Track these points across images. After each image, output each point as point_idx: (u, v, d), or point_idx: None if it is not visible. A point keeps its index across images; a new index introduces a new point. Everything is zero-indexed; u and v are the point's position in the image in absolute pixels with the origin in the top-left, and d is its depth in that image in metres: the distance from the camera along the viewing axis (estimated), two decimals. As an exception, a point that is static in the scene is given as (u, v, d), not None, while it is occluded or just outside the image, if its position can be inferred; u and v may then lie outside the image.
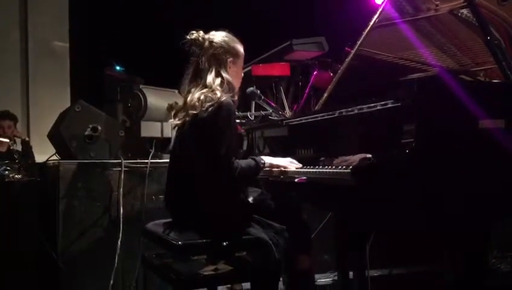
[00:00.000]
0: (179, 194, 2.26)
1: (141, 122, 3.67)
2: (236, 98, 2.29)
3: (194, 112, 2.18)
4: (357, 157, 1.94)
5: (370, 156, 1.85)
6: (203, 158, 2.17)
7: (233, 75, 2.31)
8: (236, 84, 2.33)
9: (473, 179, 1.80)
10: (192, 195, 2.21)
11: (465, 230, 1.81)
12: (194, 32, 2.29)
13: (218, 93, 2.18)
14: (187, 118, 2.22)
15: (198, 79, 2.27)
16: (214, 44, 2.29)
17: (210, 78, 2.23)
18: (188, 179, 2.23)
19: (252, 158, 2.32)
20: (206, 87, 2.22)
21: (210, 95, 2.18)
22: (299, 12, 5.74)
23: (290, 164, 2.35)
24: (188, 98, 2.23)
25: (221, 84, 2.23)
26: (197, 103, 2.18)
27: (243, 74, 2.44)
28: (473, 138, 1.82)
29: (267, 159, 2.34)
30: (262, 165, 2.29)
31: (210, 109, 2.15)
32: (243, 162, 2.23)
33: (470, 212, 1.80)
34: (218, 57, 2.27)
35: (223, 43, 2.29)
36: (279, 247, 2.14)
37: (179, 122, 2.27)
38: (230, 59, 2.29)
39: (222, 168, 2.13)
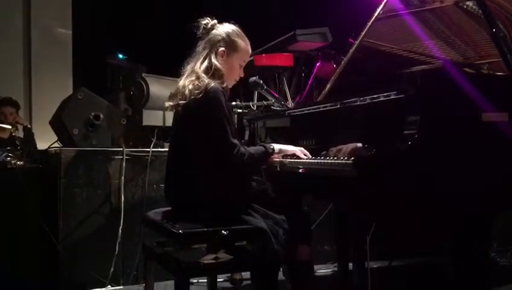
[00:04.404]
0: (179, 182, 2.26)
1: (143, 110, 3.67)
2: (225, 85, 2.27)
3: (184, 101, 2.20)
4: (350, 146, 1.93)
5: (360, 145, 1.85)
6: (204, 146, 2.17)
7: (225, 66, 2.27)
8: (228, 76, 2.31)
9: (476, 171, 1.80)
10: (193, 183, 2.21)
11: (467, 223, 1.81)
12: (207, 18, 2.32)
13: (206, 80, 2.18)
14: (179, 108, 2.24)
15: (192, 61, 2.30)
16: (216, 32, 2.31)
17: (199, 62, 2.26)
18: (188, 168, 2.23)
19: (261, 145, 2.33)
20: (194, 72, 2.24)
21: (197, 82, 2.18)
22: (303, 2, 5.70)
23: (299, 152, 2.33)
24: (180, 83, 2.27)
25: (207, 70, 2.23)
26: (186, 92, 2.19)
27: (241, 74, 2.38)
28: (476, 131, 1.81)
29: (277, 146, 2.33)
30: (271, 151, 2.30)
31: (198, 96, 2.15)
32: (252, 149, 2.25)
33: (472, 204, 1.80)
34: (213, 44, 2.28)
35: (223, 33, 2.30)
36: (279, 237, 2.14)
37: (171, 103, 2.28)
38: (223, 49, 2.27)
39: (229, 155, 2.13)
